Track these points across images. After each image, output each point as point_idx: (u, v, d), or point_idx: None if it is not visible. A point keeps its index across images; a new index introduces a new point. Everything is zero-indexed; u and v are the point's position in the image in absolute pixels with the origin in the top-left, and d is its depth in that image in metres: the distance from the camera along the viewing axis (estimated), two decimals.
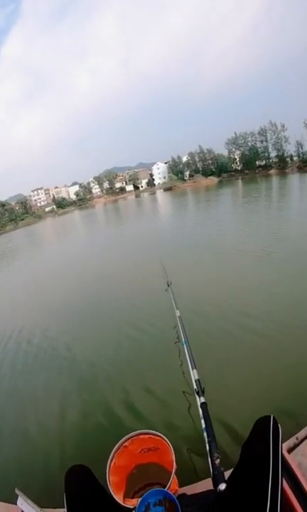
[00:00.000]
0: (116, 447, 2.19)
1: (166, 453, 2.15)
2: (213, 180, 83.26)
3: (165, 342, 5.69)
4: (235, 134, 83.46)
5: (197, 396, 2.15)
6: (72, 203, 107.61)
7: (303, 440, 2.07)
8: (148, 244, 16.42)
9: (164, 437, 2.21)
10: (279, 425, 1.22)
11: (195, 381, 2.27)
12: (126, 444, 2.24)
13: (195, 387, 2.22)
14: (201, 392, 2.08)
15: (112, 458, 2.11)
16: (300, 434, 2.14)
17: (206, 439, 1.69)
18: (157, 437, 2.25)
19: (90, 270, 13.68)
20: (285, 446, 2.02)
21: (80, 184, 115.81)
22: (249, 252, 10.59)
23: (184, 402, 3.96)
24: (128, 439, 2.26)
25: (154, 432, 2.26)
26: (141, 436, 2.28)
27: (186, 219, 24.77)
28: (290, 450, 1.98)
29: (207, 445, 1.63)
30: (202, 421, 1.85)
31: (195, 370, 2.41)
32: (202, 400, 2.01)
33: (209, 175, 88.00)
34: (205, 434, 1.75)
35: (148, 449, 2.31)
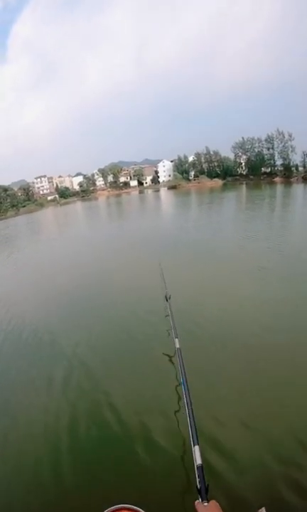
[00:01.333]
0: None
1: None
2: (218, 182, 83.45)
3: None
4: (243, 138, 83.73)
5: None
6: (75, 194, 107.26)
7: None
8: (147, 247, 16.51)
9: None
10: None
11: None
12: None
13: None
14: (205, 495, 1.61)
15: None
16: None
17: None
18: None
19: (79, 276, 13.61)
20: None
21: (84, 175, 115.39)
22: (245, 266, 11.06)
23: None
24: None
25: (139, 509, 2.13)
26: None
27: (188, 221, 25.10)
28: None
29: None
30: None
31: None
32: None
33: (214, 177, 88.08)
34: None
35: None
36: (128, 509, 2.11)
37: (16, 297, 11.56)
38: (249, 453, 3.80)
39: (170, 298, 5.47)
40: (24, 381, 6.21)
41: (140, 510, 2.10)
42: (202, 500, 1.48)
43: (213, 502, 1.45)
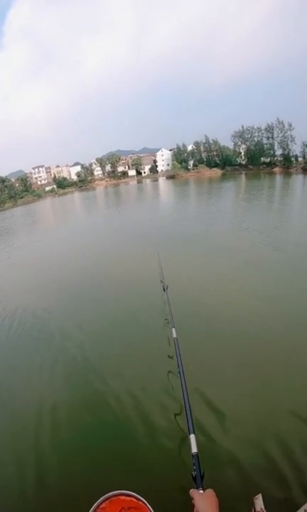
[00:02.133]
0: (92, 509, 2.01)
1: None
2: (217, 172, 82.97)
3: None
4: (242, 127, 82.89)
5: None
6: (73, 184, 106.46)
7: None
8: (144, 239, 16.10)
9: (147, 503, 2.06)
10: None
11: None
12: (103, 505, 2.07)
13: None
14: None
15: None
16: None
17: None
18: (139, 502, 2.09)
19: (79, 268, 13.62)
20: None
21: (82, 165, 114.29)
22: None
23: None
24: (106, 499, 2.10)
25: (136, 495, 2.10)
26: (122, 498, 2.12)
27: (186, 212, 25.09)
28: None
29: None
30: None
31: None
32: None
33: (213, 166, 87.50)
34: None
35: (130, 507, 2.12)
36: (126, 495, 2.08)
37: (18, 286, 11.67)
38: (246, 441, 3.90)
39: (167, 288, 5.51)
40: (26, 368, 6.38)
41: (138, 496, 2.06)
42: (197, 488, 1.45)
43: (209, 490, 1.41)
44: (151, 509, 1.94)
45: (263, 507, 2.45)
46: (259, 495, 2.60)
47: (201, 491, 1.39)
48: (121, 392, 5.14)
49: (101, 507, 1.99)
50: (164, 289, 5.60)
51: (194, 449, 1.54)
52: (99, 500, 2.02)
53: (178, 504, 2.97)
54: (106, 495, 2.04)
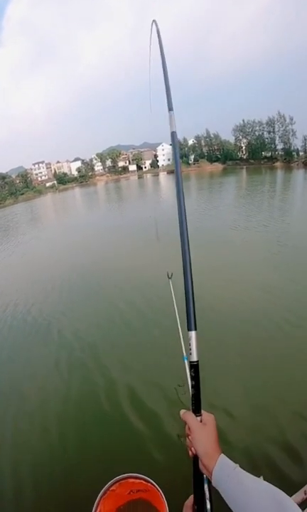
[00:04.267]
0: (102, 491, 2.09)
1: (157, 497, 2.10)
2: (218, 166, 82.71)
3: None
4: (243, 121, 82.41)
5: None
6: (74, 180, 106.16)
7: None
8: (146, 234, 16.59)
9: (155, 484, 2.14)
10: None
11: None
12: (113, 487, 2.14)
13: None
14: None
15: (97, 504, 2.02)
16: None
17: None
18: (148, 484, 2.17)
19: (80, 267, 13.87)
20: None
21: (82, 160, 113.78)
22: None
23: None
24: (116, 482, 2.17)
25: (145, 477, 2.18)
26: (131, 480, 2.19)
27: (188, 209, 25.18)
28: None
29: None
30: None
31: None
32: None
33: (214, 161, 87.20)
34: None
35: (138, 490, 2.22)
36: (135, 478, 2.21)
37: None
38: (248, 424, 4.14)
39: (172, 276, 5.48)
40: (36, 360, 6.66)
41: (146, 478, 2.20)
42: (195, 412, 0.98)
43: (208, 416, 0.98)
44: (159, 489, 2.08)
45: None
46: (260, 477, 2.75)
47: (198, 417, 0.97)
48: (129, 379, 5.45)
49: (111, 489, 2.13)
50: (169, 277, 5.46)
51: (194, 357, 0.99)
52: (110, 482, 2.15)
53: (186, 484, 3.20)
54: (116, 478, 2.17)
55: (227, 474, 0.80)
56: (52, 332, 7.70)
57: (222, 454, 0.86)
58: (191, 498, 0.98)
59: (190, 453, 0.97)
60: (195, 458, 0.93)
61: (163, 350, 5.86)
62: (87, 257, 14.24)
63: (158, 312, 7.49)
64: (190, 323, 0.98)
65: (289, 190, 29.47)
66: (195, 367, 0.97)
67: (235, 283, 8.66)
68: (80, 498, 3.02)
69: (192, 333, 0.97)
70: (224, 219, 17.91)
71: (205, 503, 0.92)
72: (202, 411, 0.98)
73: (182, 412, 1.01)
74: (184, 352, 3.72)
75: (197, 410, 0.98)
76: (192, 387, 0.97)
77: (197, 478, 0.94)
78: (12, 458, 4.34)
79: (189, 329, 0.98)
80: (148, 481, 2.16)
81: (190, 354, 0.96)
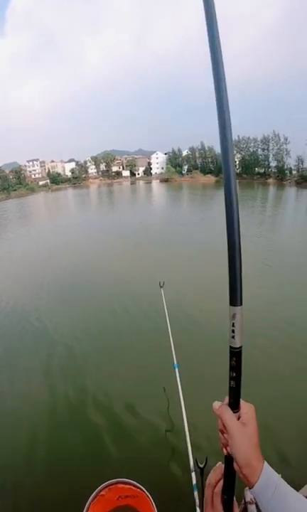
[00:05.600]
0: (92, 496, 2.11)
1: (145, 503, 2.13)
2: (211, 179, 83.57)
3: None
4: (238, 136, 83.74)
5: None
6: (67, 180, 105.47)
7: None
8: (135, 240, 16.87)
9: (144, 489, 2.16)
10: None
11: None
12: (103, 492, 2.16)
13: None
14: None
15: (87, 509, 2.05)
16: None
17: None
18: (137, 489, 2.19)
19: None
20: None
21: (77, 162, 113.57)
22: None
23: None
24: (106, 487, 2.18)
25: (134, 482, 2.21)
26: (120, 486, 2.21)
27: (179, 218, 25.43)
28: None
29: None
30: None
31: None
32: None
33: (208, 173, 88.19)
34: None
35: (126, 496, 2.24)
36: (124, 483, 2.21)
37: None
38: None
39: (163, 285, 5.68)
40: (20, 363, 6.61)
41: (135, 483, 2.20)
42: (232, 408, 0.78)
43: (249, 410, 0.80)
44: (148, 494, 2.10)
45: (252, 497, 2.66)
46: (248, 489, 2.79)
47: (236, 413, 0.78)
48: (117, 384, 5.52)
49: (100, 494, 2.14)
50: (160, 286, 5.69)
51: (238, 342, 0.76)
52: (99, 487, 2.16)
53: (175, 489, 3.26)
54: (106, 483, 2.18)
55: (271, 492, 0.71)
56: (42, 333, 7.70)
57: (266, 465, 0.74)
58: (220, 484, 0.85)
59: (225, 451, 0.81)
60: (229, 457, 0.79)
61: (153, 356, 5.94)
62: (77, 258, 14.23)
63: (147, 318, 7.60)
64: (236, 296, 0.70)
65: (279, 207, 30.09)
66: (237, 354, 0.75)
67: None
68: (70, 503, 3.03)
69: (238, 309, 0.71)
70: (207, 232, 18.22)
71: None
72: (241, 401, 0.79)
73: (216, 405, 0.81)
74: (175, 359, 3.82)
75: (235, 406, 0.78)
76: (231, 379, 0.76)
77: (228, 478, 0.82)
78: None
79: (233, 304, 0.71)
80: (138, 487, 2.17)
81: (233, 338, 0.73)
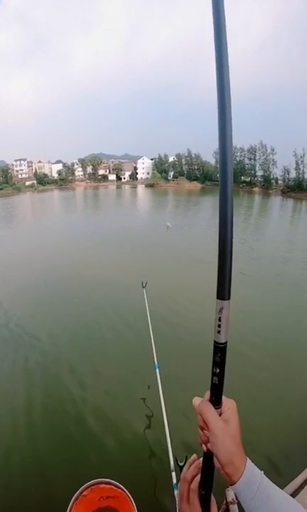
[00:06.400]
0: (74, 497, 2.14)
1: (126, 504, 2.16)
2: (196, 185, 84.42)
3: None
4: None
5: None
6: (53, 182, 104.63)
7: (302, 487, 2.11)
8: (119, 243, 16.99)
9: (125, 490, 2.20)
10: None
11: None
12: (85, 493, 2.18)
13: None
14: None
15: (70, 509, 2.08)
16: (298, 480, 2.32)
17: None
18: (118, 489, 2.22)
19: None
20: None
21: (64, 163, 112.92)
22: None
23: None
24: (88, 487, 2.20)
25: (116, 482, 2.24)
26: (102, 486, 2.23)
27: (163, 222, 25.63)
28: None
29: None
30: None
31: None
32: None
33: (193, 180, 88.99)
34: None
35: (108, 497, 2.26)
36: (106, 483, 2.23)
37: None
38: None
39: (146, 285, 5.79)
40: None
41: (117, 484, 2.22)
42: (214, 404, 0.74)
43: (231, 407, 0.76)
44: (129, 495, 2.12)
45: (234, 497, 2.68)
46: (230, 486, 2.81)
47: (217, 410, 0.74)
48: (98, 385, 5.52)
49: (83, 494, 2.15)
50: (143, 286, 5.83)
51: (223, 338, 0.72)
52: (82, 487, 2.17)
53: (156, 489, 3.26)
54: (88, 483, 2.19)
55: (254, 490, 0.68)
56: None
57: (249, 462, 0.71)
58: (196, 479, 0.82)
59: (204, 448, 0.76)
60: (208, 453, 0.75)
61: (134, 356, 5.94)
62: (58, 260, 14.13)
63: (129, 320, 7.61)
64: (224, 289, 0.67)
65: (264, 216, 30.66)
66: (221, 350, 0.71)
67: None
68: (53, 503, 3.00)
69: (225, 303, 0.67)
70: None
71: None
72: (223, 397, 0.75)
73: (196, 401, 0.77)
74: (155, 360, 3.84)
75: (217, 402, 0.74)
76: (214, 375, 0.72)
77: (207, 473, 0.79)
78: None
79: (221, 297, 0.67)
80: (119, 487, 2.18)
81: (218, 333, 0.69)
